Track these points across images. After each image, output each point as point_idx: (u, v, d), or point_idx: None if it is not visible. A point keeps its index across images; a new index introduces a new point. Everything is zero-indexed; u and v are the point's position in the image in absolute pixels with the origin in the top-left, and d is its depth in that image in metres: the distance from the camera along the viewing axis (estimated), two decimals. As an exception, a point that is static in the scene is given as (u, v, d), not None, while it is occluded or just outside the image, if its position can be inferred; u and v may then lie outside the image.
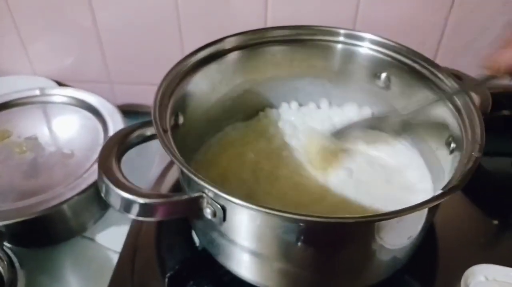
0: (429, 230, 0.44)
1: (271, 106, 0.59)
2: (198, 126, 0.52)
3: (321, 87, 0.57)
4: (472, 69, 0.49)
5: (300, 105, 0.59)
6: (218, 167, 0.52)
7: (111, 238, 0.55)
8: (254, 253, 0.39)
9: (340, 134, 0.52)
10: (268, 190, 0.48)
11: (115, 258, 0.50)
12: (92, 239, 0.55)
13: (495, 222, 0.53)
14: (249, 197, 0.47)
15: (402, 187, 0.49)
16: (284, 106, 0.59)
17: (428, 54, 0.49)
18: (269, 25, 0.63)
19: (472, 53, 0.62)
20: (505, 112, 0.59)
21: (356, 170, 0.50)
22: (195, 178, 0.34)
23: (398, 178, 0.50)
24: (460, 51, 0.64)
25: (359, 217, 0.31)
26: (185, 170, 0.35)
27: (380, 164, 0.52)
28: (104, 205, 0.56)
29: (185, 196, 0.36)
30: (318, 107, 0.59)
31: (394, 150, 0.54)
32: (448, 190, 0.34)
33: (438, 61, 0.48)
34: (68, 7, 0.66)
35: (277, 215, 0.32)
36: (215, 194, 0.34)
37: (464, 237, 0.51)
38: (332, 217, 0.32)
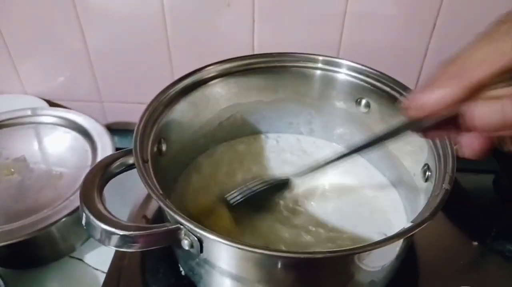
0: (408, 251, 0.45)
1: (257, 131, 0.61)
2: (182, 151, 0.53)
3: (306, 112, 0.58)
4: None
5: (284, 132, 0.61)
6: (205, 192, 0.53)
7: (99, 258, 0.55)
8: (233, 282, 0.40)
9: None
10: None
11: (103, 278, 0.51)
12: (81, 260, 0.56)
13: (475, 243, 0.54)
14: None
15: (375, 213, 0.51)
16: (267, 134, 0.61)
17: (411, 79, 0.49)
18: (256, 51, 0.64)
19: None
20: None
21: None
22: (171, 212, 0.35)
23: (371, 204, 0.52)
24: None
25: (328, 252, 0.33)
26: (161, 204, 0.36)
27: (352, 190, 0.54)
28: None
29: (163, 228, 0.37)
30: (300, 134, 0.61)
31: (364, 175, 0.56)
32: (417, 224, 0.35)
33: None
34: (58, 28, 0.67)
35: (250, 251, 0.33)
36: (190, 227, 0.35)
37: (443, 259, 0.52)
38: (302, 253, 0.33)
